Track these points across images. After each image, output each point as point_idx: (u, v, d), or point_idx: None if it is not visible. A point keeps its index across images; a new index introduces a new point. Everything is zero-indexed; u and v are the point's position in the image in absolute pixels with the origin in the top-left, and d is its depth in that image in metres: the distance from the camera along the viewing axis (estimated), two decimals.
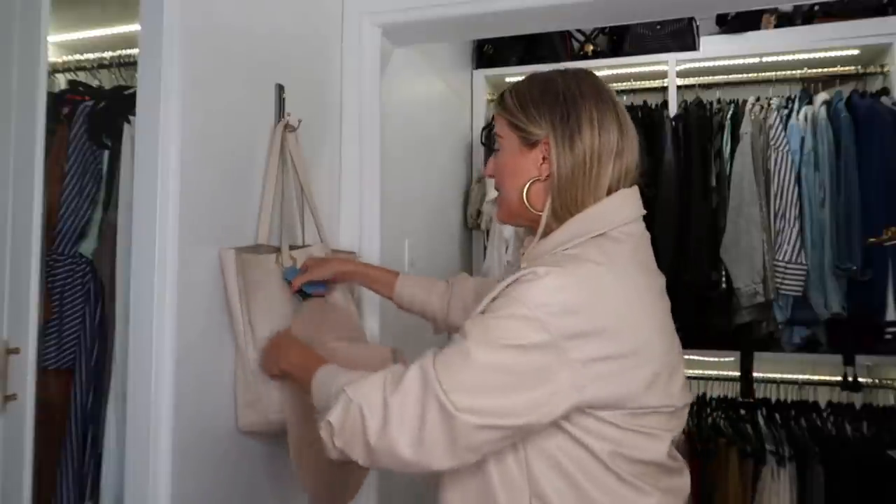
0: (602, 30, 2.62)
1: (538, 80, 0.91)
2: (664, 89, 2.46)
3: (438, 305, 1.23)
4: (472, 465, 0.80)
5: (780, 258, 2.05)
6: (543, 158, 0.87)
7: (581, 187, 0.85)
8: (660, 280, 0.89)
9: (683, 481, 0.86)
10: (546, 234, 0.87)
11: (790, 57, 2.31)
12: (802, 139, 2.12)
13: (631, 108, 2.43)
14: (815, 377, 2.23)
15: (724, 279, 2.14)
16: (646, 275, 0.85)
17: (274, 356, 1.08)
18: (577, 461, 0.78)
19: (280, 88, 1.28)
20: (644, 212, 0.88)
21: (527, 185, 0.88)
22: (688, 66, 2.39)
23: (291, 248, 1.26)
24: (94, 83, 1.61)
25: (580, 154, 0.84)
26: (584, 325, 0.74)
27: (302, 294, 1.23)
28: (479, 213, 2.53)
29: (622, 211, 0.85)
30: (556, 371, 0.73)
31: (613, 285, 0.79)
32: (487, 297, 0.81)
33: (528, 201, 0.88)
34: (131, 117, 1.33)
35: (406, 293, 1.25)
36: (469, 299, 1.19)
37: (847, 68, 2.30)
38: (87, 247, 1.39)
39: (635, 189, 0.88)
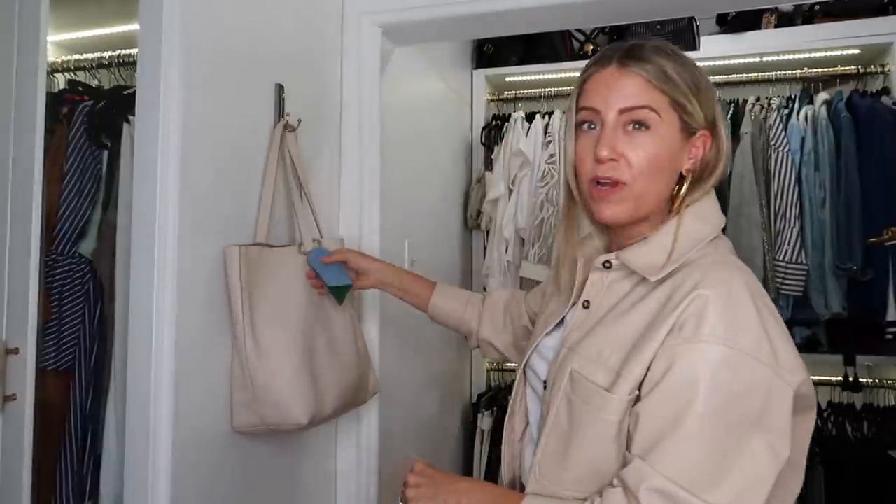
0: (602, 30, 2.61)
1: (691, 63, 0.81)
2: None
3: (474, 320, 1.20)
4: None
5: (781, 258, 2.05)
6: (695, 150, 0.80)
7: (704, 184, 0.81)
8: None
9: None
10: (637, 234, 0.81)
11: (790, 57, 2.31)
12: (803, 139, 2.12)
13: None
14: (816, 377, 2.22)
15: None
16: None
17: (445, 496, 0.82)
18: None
19: (280, 88, 1.28)
20: None
21: (688, 179, 0.80)
22: None
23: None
24: (94, 83, 1.61)
25: (722, 155, 0.81)
26: None
27: (332, 290, 1.20)
28: (479, 213, 2.53)
29: (718, 206, 0.83)
30: None
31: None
32: None
33: (679, 197, 0.80)
34: (131, 117, 1.33)
35: (440, 309, 1.21)
36: (499, 314, 1.18)
37: (847, 68, 2.30)
38: (87, 247, 1.39)
39: None
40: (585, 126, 0.81)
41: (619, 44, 0.81)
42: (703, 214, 0.80)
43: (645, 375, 0.71)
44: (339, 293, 1.24)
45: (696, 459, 0.65)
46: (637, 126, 0.77)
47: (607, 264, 0.82)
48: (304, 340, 1.17)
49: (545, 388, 0.86)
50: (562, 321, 0.90)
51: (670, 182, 0.80)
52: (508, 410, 0.96)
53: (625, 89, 0.78)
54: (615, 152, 0.77)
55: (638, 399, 0.71)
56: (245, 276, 1.10)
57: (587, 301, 0.84)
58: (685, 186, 0.80)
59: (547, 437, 0.80)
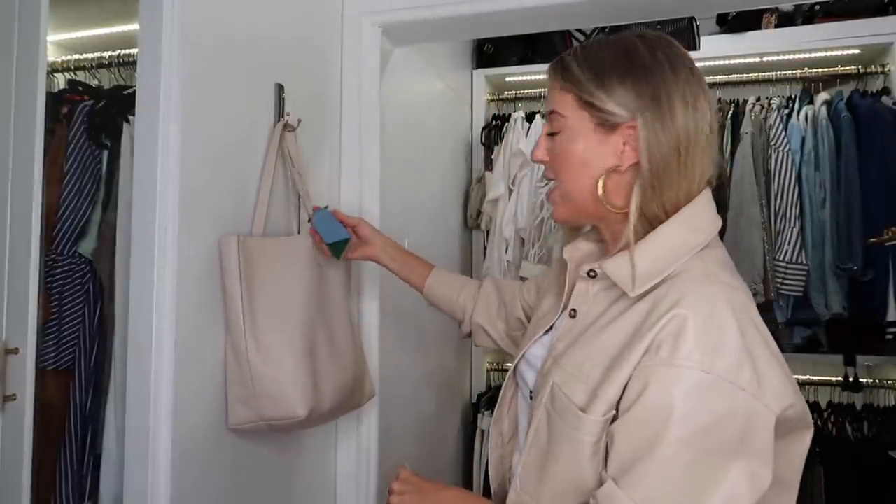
0: (602, 30, 2.61)
1: (615, 47, 0.76)
2: None
3: (469, 304, 1.19)
4: None
5: (781, 258, 2.05)
6: (624, 145, 0.74)
7: (677, 181, 0.72)
8: None
9: None
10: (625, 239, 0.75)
11: (790, 57, 2.31)
12: (803, 139, 2.12)
13: None
14: (816, 377, 2.23)
15: None
16: None
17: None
18: None
19: (280, 88, 1.28)
20: None
21: (602, 177, 0.76)
22: None
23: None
24: (94, 83, 1.61)
25: (674, 140, 0.71)
26: None
27: (331, 246, 1.21)
28: (479, 213, 2.53)
29: (713, 210, 0.76)
30: None
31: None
32: None
33: (603, 195, 0.76)
34: (131, 117, 1.33)
35: (435, 291, 1.21)
36: (494, 301, 1.17)
37: (847, 68, 2.30)
38: (87, 247, 1.39)
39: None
40: None
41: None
42: (693, 221, 0.74)
43: (621, 395, 0.69)
44: (338, 249, 1.23)
45: (670, 487, 0.63)
46: (551, 128, 0.80)
47: (591, 273, 0.80)
48: (305, 333, 1.16)
49: (531, 398, 0.84)
50: (551, 328, 0.88)
51: (591, 180, 0.76)
52: (495, 414, 0.94)
53: (549, 95, 0.81)
54: (543, 154, 0.82)
55: (615, 418, 0.69)
56: (243, 267, 1.08)
57: (574, 310, 0.82)
58: (614, 186, 0.75)
59: (528, 450, 0.79)
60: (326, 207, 1.25)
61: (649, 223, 0.74)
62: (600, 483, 0.69)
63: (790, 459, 0.71)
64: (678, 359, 0.65)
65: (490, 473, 0.95)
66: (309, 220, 1.24)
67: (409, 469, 0.86)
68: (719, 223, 0.77)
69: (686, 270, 0.72)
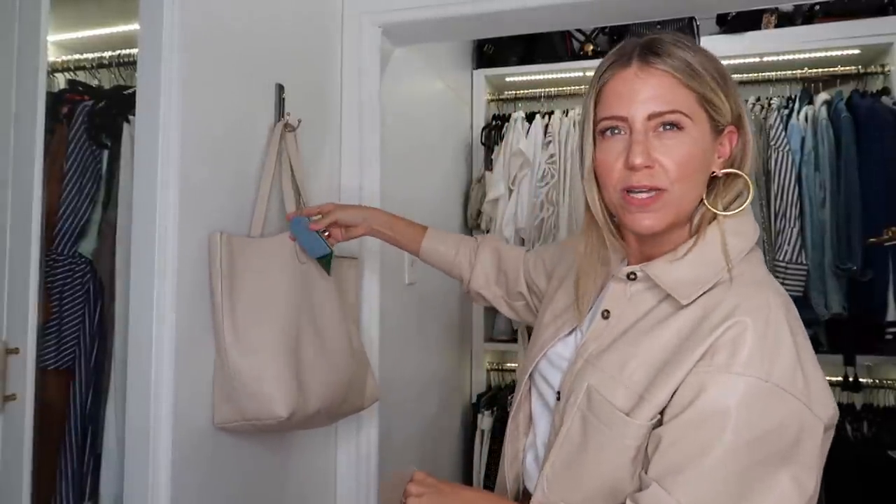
0: (602, 30, 2.61)
1: (713, 55, 0.74)
2: None
3: (465, 268, 1.19)
4: None
5: (781, 258, 2.05)
6: (720, 149, 0.75)
7: (735, 187, 0.75)
8: None
9: None
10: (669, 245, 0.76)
11: (790, 57, 2.31)
12: (803, 139, 2.12)
13: None
14: None
15: None
16: None
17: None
18: None
19: (280, 88, 1.28)
20: None
21: (706, 182, 0.74)
22: None
23: None
24: (94, 83, 1.61)
25: (748, 152, 0.75)
26: None
27: (318, 261, 1.20)
28: (479, 213, 2.53)
29: (752, 213, 0.77)
30: None
31: None
32: None
33: (712, 202, 0.74)
34: (131, 117, 1.33)
35: (430, 252, 1.21)
36: (492, 269, 1.16)
37: (847, 68, 2.30)
38: (87, 246, 1.39)
39: None
40: (608, 132, 0.75)
41: (635, 40, 0.75)
42: (740, 228, 0.74)
43: (670, 400, 0.68)
44: (325, 263, 1.22)
45: (718, 492, 0.63)
46: (669, 127, 0.72)
47: (632, 276, 0.77)
48: (288, 332, 1.14)
49: (558, 398, 0.82)
50: (573, 329, 0.87)
51: (703, 185, 0.74)
52: (513, 409, 0.93)
53: (651, 91, 0.71)
54: (650, 158, 0.71)
55: (660, 423, 0.68)
56: (226, 264, 1.08)
57: (607, 311, 0.80)
58: (716, 190, 0.76)
59: (557, 452, 0.77)
60: (300, 214, 1.21)
61: (695, 226, 0.75)
62: (638, 485, 0.69)
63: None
64: (737, 366, 0.64)
65: (504, 467, 0.93)
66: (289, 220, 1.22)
67: (423, 471, 0.84)
68: (759, 229, 0.77)
69: (738, 276, 0.71)
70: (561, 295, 0.93)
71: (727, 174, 0.76)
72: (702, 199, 0.75)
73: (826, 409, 0.66)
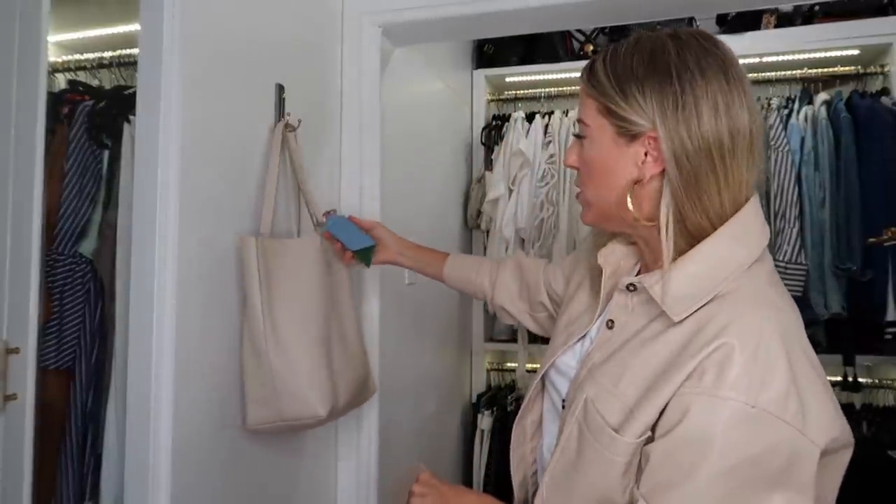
0: (602, 30, 2.62)
1: (642, 49, 0.71)
2: None
3: (487, 288, 1.20)
4: None
5: (781, 258, 2.05)
6: (646, 155, 0.71)
7: (716, 189, 0.68)
8: None
9: None
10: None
11: (790, 57, 2.31)
12: (802, 139, 2.12)
13: None
14: None
15: None
16: None
17: None
18: None
19: (280, 88, 1.28)
20: None
21: (628, 188, 0.73)
22: None
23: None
24: (94, 83, 1.61)
25: (704, 146, 0.67)
26: None
27: (357, 253, 1.22)
28: (479, 213, 2.53)
29: (761, 219, 0.72)
30: None
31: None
32: None
33: (633, 207, 0.73)
34: (131, 117, 1.34)
35: (453, 279, 1.23)
36: (513, 284, 1.17)
37: (847, 68, 2.30)
38: (87, 246, 1.39)
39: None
40: None
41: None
42: (741, 235, 0.70)
43: (658, 417, 0.67)
44: (366, 255, 1.24)
45: None
46: (576, 136, 0.79)
47: (631, 287, 0.76)
48: (321, 332, 1.17)
49: (563, 407, 0.82)
50: (583, 335, 0.86)
51: (616, 190, 0.74)
52: (520, 412, 0.93)
53: (579, 98, 0.78)
54: (574, 160, 0.80)
55: (651, 439, 0.67)
56: (263, 267, 1.10)
57: (611, 321, 0.79)
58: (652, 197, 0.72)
59: (556, 461, 0.77)
60: (335, 211, 1.25)
61: (692, 236, 0.70)
62: (629, 499, 0.68)
63: (833, 475, 0.68)
64: (722, 389, 0.62)
65: (512, 471, 0.93)
66: (318, 224, 1.25)
67: (429, 472, 0.84)
68: (768, 234, 0.73)
69: (735, 290, 0.68)
70: (576, 302, 0.92)
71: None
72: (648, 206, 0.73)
73: (824, 433, 0.63)
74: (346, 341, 1.27)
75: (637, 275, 0.82)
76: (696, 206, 0.69)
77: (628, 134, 0.71)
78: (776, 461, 0.61)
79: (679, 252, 0.70)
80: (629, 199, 0.72)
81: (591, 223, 0.82)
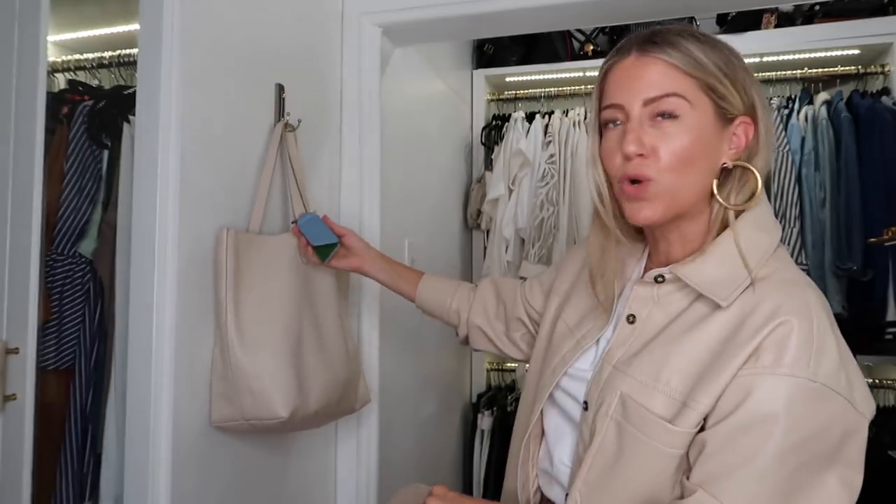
0: (602, 30, 2.62)
1: (722, 44, 0.73)
2: None
3: (464, 310, 1.14)
4: None
5: None
6: (734, 139, 0.72)
7: (747, 184, 0.72)
8: None
9: None
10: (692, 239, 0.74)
11: (790, 57, 2.31)
12: (803, 139, 2.12)
13: None
14: None
15: None
16: None
17: None
18: None
19: (280, 88, 1.28)
20: None
21: (717, 173, 0.72)
22: None
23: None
24: (94, 83, 1.61)
25: (763, 144, 0.72)
26: None
27: (318, 250, 1.19)
28: (479, 213, 2.53)
29: (770, 207, 0.77)
30: None
31: None
32: None
33: (722, 196, 0.72)
34: (131, 117, 1.34)
35: (426, 300, 1.17)
36: (491, 302, 1.13)
37: (847, 68, 2.30)
38: (87, 246, 1.39)
39: None
40: (611, 124, 0.75)
41: (640, 32, 0.74)
42: (761, 222, 0.72)
43: (714, 405, 0.66)
44: (324, 252, 1.21)
45: (768, 496, 0.62)
46: (665, 116, 0.71)
47: (660, 279, 0.75)
48: (291, 331, 1.13)
49: (585, 409, 0.78)
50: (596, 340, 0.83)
51: (707, 176, 0.72)
52: (528, 432, 0.88)
53: (648, 77, 0.71)
54: (643, 147, 0.71)
55: (703, 428, 0.67)
56: (232, 261, 1.07)
57: (632, 316, 0.77)
58: (732, 181, 0.73)
59: (591, 465, 0.74)
60: (315, 212, 1.23)
61: (713, 223, 0.73)
62: (680, 492, 0.67)
63: None
64: (784, 367, 0.63)
65: (518, 489, 0.90)
66: (294, 222, 1.23)
67: (443, 485, 0.80)
68: (780, 225, 0.76)
69: (771, 273, 0.70)
70: (572, 308, 0.90)
71: (744, 167, 0.73)
72: (713, 193, 0.73)
73: (868, 404, 0.66)
74: (323, 342, 1.22)
75: (644, 270, 0.82)
76: (737, 194, 0.73)
77: (726, 116, 0.72)
78: (834, 435, 0.63)
79: (705, 239, 0.74)
80: (715, 186, 0.72)
81: (653, 221, 0.73)
